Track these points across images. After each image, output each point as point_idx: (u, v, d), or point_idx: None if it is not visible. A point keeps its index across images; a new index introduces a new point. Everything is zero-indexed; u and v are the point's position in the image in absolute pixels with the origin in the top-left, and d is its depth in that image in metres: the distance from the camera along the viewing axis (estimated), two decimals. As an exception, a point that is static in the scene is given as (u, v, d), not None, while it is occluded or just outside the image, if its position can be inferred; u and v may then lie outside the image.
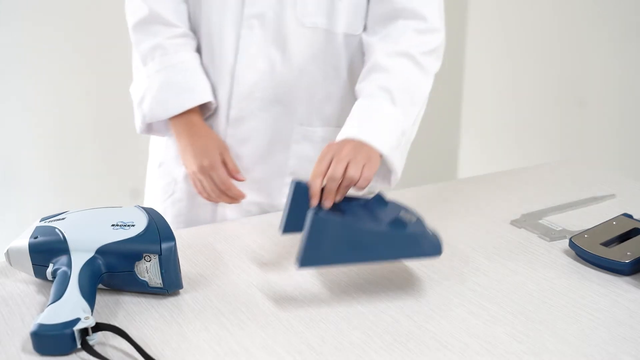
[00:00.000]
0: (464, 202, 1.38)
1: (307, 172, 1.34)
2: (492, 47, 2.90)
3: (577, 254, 1.15)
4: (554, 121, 2.65)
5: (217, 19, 1.28)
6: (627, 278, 1.09)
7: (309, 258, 0.96)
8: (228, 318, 0.95)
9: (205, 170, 1.26)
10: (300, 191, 1.05)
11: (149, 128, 1.36)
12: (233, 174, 1.28)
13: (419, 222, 1.03)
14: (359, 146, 1.12)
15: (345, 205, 1.06)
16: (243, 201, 1.33)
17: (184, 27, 1.30)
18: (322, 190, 1.06)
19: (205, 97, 1.29)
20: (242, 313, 0.96)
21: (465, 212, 1.34)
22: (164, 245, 0.96)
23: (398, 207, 1.06)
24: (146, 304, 0.98)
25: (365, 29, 1.30)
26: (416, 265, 1.11)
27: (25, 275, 1.04)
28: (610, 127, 2.45)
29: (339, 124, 1.35)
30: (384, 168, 1.22)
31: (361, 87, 1.24)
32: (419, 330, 0.94)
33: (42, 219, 1.02)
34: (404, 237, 0.99)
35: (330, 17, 1.27)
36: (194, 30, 1.33)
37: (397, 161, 1.21)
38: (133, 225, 0.99)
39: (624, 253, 1.11)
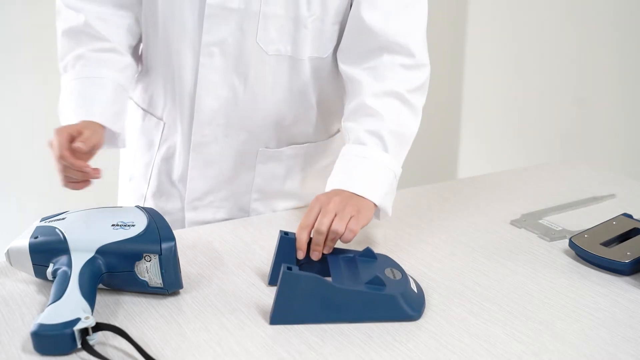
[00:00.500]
0: (464, 202, 1.38)
1: (273, 189, 1.34)
2: (492, 47, 2.90)
3: (577, 254, 1.15)
4: (554, 121, 2.65)
5: (176, 46, 1.23)
6: (627, 278, 1.09)
7: (280, 314, 0.94)
8: (228, 318, 0.95)
9: (51, 143, 1.14)
10: (286, 243, 1.04)
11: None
12: (78, 148, 1.11)
13: (403, 280, 0.99)
14: (347, 198, 1.09)
15: (331, 258, 1.03)
16: (207, 216, 1.32)
17: (115, 43, 1.23)
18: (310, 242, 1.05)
19: (101, 118, 1.16)
20: (242, 313, 0.96)
21: (465, 212, 1.34)
22: (164, 245, 0.96)
23: (385, 263, 1.03)
24: (146, 304, 0.98)
25: (345, 60, 1.24)
26: (416, 265, 1.11)
27: (25, 275, 1.04)
28: (610, 127, 2.45)
29: (308, 140, 1.34)
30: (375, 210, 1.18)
31: (348, 127, 1.20)
32: (419, 330, 0.94)
33: (42, 219, 1.02)
34: (379, 298, 0.95)
35: (295, 44, 1.22)
36: (150, 52, 1.28)
37: (389, 203, 1.17)
38: (133, 225, 0.99)
39: (624, 253, 1.11)
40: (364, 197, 1.11)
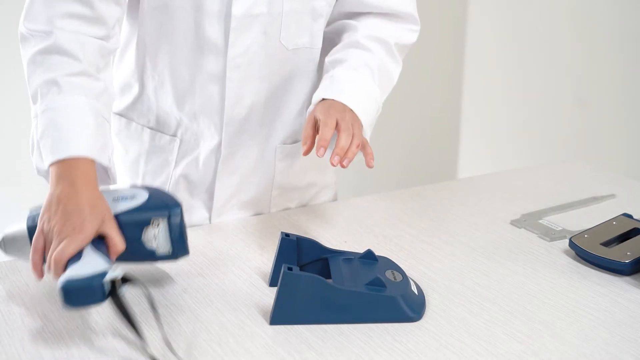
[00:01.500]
0: (464, 202, 1.38)
1: (292, 184, 1.35)
2: (492, 47, 2.90)
3: (577, 254, 1.15)
4: (554, 121, 2.65)
5: (199, 62, 1.19)
6: (627, 278, 1.09)
7: (280, 315, 0.94)
8: (228, 318, 0.95)
9: (68, 229, 0.93)
10: (287, 244, 1.04)
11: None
12: (116, 248, 0.95)
13: (403, 282, 0.99)
14: (344, 107, 1.14)
15: (332, 260, 1.03)
16: (232, 217, 1.31)
17: (87, 66, 1.08)
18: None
19: (88, 152, 1.01)
20: (242, 313, 0.96)
21: (465, 212, 1.34)
22: (172, 209, 0.97)
23: (386, 265, 1.03)
24: (146, 304, 0.98)
25: (336, 18, 1.30)
26: (416, 265, 1.11)
27: (25, 275, 1.04)
28: (610, 127, 2.45)
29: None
30: None
31: (338, 57, 1.23)
32: (419, 330, 0.94)
33: (33, 209, 1.00)
34: (380, 299, 0.95)
35: (311, 35, 1.23)
36: (159, 69, 1.22)
37: (368, 136, 1.20)
38: (134, 197, 0.98)
39: (624, 253, 1.11)
40: (356, 115, 1.14)
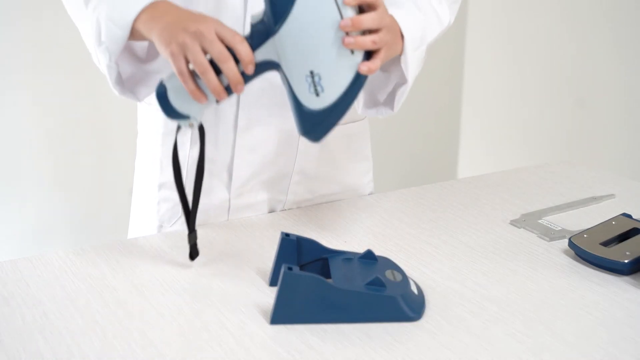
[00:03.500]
0: (464, 202, 1.38)
1: (314, 172, 1.33)
2: (492, 47, 2.90)
3: (576, 253, 1.15)
4: (554, 121, 2.65)
5: None
6: (627, 278, 1.09)
7: (280, 314, 0.94)
8: (228, 318, 0.95)
9: (195, 37, 0.94)
10: (287, 244, 1.04)
11: (121, 80, 1.14)
12: (238, 49, 0.94)
13: (403, 282, 0.99)
14: (395, 31, 1.06)
15: (332, 260, 1.03)
16: (250, 200, 1.30)
17: None
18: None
19: None
20: (242, 313, 0.97)
21: (465, 212, 1.34)
22: None
23: (386, 265, 1.03)
24: (146, 304, 0.98)
25: None
26: (416, 265, 1.11)
27: (25, 274, 1.04)
28: (610, 127, 2.45)
29: (348, 120, 1.34)
30: (395, 76, 1.17)
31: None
32: (419, 330, 0.94)
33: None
34: (379, 299, 0.95)
35: None
36: None
37: (412, 67, 1.13)
38: None
39: (624, 253, 1.11)
40: (400, 34, 1.08)
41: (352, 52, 0.92)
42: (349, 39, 0.93)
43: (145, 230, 1.35)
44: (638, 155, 2.37)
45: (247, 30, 1.15)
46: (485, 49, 2.94)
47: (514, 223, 1.29)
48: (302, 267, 1.03)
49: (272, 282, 1.04)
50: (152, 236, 1.20)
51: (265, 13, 0.93)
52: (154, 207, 1.34)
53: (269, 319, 0.94)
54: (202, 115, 0.96)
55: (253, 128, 1.26)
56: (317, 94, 0.93)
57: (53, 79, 2.29)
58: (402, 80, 1.17)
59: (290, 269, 0.93)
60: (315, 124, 0.94)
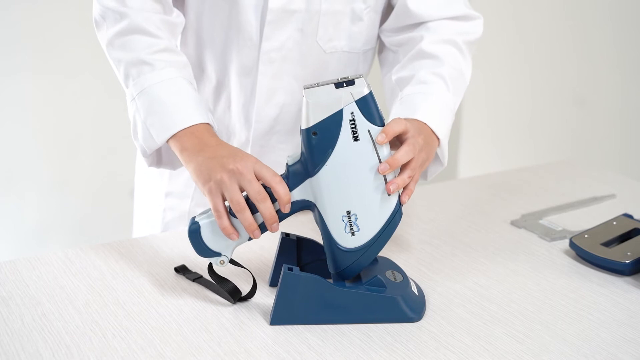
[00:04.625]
0: (464, 202, 1.38)
1: None
2: (492, 47, 2.90)
3: (577, 254, 1.15)
4: (554, 121, 2.65)
5: (233, 55, 1.19)
6: (628, 278, 1.09)
7: (280, 315, 0.94)
8: (228, 318, 0.95)
9: (233, 176, 0.94)
10: (287, 244, 1.04)
11: (158, 159, 1.14)
12: (280, 198, 0.94)
13: (403, 282, 0.99)
14: (427, 136, 1.04)
15: None
16: None
17: (166, 41, 1.11)
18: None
19: (197, 119, 1.04)
20: (242, 313, 0.96)
21: (465, 212, 1.34)
22: None
23: (386, 265, 1.02)
24: (146, 304, 0.98)
25: (389, 33, 1.24)
26: (416, 265, 1.11)
27: (25, 275, 1.04)
28: (611, 127, 2.45)
29: None
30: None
31: (405, 75, 1.16)
32: (419, 330, 0.94)
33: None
34: (380, 300, 0.95)
35: (350, 38, 1.22)
36: (191, 61, 1.21)
37: (446, 151, 1.13)
38: None
39: (624, 253, 1.11)
40: (432, 133, 1.06)
41: (389, 193, 0.94)
42: (392, 187, 0.93)
43: (149, 232, 1.35)
44: (638, 155, 2.37)
45: (262, 61, 1.17)
46: (485, 49, 2.93)
47: (514, 223, 1.29)
48: (302, 267, 1.03)
49: (272, 283, 1.03)
50: (151, 237, 1.20)
51: (303, 155, 0.94)
52: (159, 213, 1.34)
53: (269, 319, 0.94)
54: (232, 252, 0.98)
55: (264, 155, 1.25)
56: (353, 234, 0.94)
57: (53, 79, 2.29)
58: (438, 163, 1.14)
59: (290, 269, 0.93)
60: (349, 262, 0.95)
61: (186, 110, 1.05)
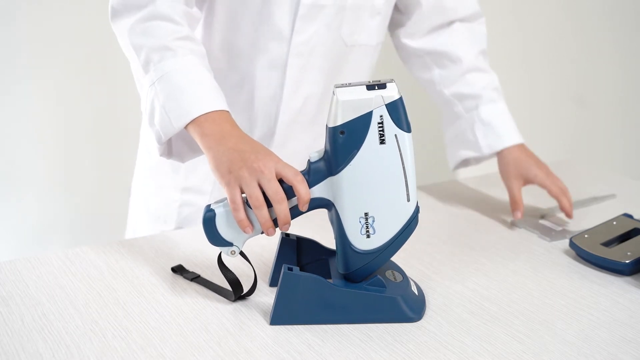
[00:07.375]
0: (464, 202, 1.38)
1: None
2: (491, 47, 2.90)
3: (577, 254, 1.15)
4: (554, 121, 2.65)
5: (263, 47, 1.22)
6: (628, 278, 1.09)
7: (280, 315, 0.94)
8: (228, 318, 0.95)
9: (254, 173, 0.94)
10: (287, 244, 1.04)
11: (169, 150, 1.14)
12: (302, 197, 0.94)
13: (403, 282, 0.99)
14: (526, 149, 1.42)
15: (332, 260, 1.03)
16: None
17: (187, 29, 1.12)
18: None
19: (217, 105, 1.04)
20: (242, 313, 0.96)
21: (465, 212, 1.34)
22: None
23: (386, 265, 1.02)
24: (146, 304, 0.98)
25: (414, 36, 1.37)
26: (416, 265, 1.11)
27: (25, 275, 1.04)
28: (612, 127, 2.45)
29: None
30: None
31: (466, 91, 1.37)
32: (419, 330, 0.94)
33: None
34: (380, 300, 0.95)
35: (368, 32, 1.27)
36: (215, 54, 1.23)
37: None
38: None
39: (624, 253, 1.11)
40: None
41: (409, 199, 0.94)
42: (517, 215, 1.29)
43: (145, 230, 1.35)
44: (638, 155, 2.37)
45: (292, 54, 1.21)
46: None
47: (514, 223, 1.29)
48: (302, 267, 1.03)
49: (272, 283, 1.03)
50: (151, 236, 1.20)
51: (326, 153, 0.94)
52: (174, 209, 1.34)
53: (269, 319, 0.94)
54: (244, 244, 0.98)
55: (287, 145, 1.29)
56: (368, 236, 0.94)
57: (53, 78, 2.29)
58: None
59: (290, 269, 0.93)
60: (360, 264, 0.95)
61: (208, 95, 1.05)
